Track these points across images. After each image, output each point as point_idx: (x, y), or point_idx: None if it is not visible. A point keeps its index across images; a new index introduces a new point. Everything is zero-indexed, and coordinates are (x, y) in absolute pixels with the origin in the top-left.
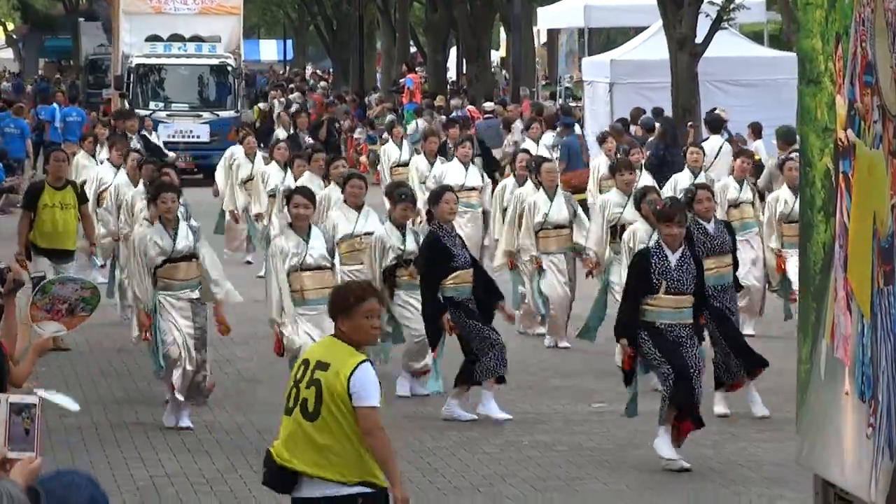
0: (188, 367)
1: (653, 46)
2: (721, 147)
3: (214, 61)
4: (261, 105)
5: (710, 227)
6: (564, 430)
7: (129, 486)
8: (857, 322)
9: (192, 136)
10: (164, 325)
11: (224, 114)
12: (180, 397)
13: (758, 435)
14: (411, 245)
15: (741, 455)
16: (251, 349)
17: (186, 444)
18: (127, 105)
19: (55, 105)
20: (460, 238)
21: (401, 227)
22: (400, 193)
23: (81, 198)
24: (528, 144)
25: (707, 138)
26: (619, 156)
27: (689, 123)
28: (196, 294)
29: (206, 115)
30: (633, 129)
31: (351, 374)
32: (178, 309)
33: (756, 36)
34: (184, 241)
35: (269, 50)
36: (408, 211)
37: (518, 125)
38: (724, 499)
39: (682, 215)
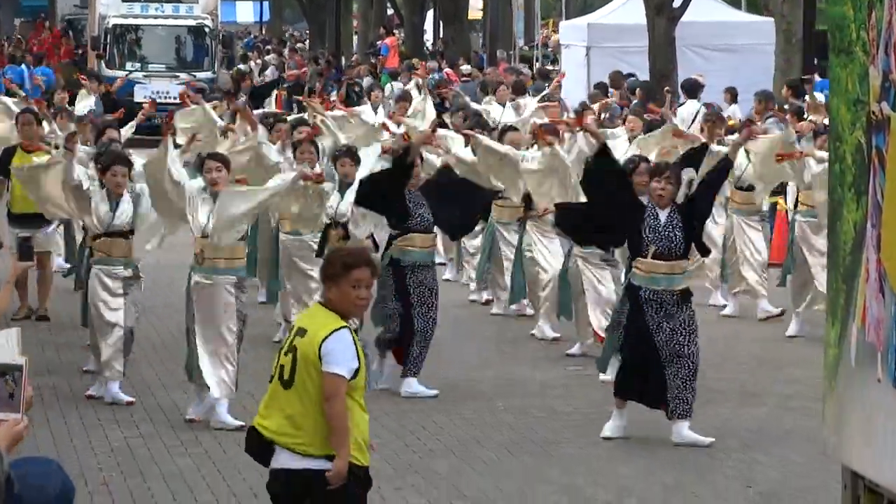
0: (116, 343)
1: (630, 10)
2: (697, 112)
3: (191, 22)
4: (240, 67)
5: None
6: (539, 394)
7: (104, 448)
8: (890, 305)
9: (169, 97)
10: (98, 299)
11: (201, 75)
12: (97, 368)
13: (733, 403)
14: (344, 206)
15: (717, 421)
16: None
17: (161, 405)
18: (104, 66)
19: (23, 67)
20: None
21: (344, 186)
22: (338, 149)
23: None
24: (494, 108)
25: (683, 103)
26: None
27: (666, 88)
28: (129, 272)
29: (182, 75)
30: (611, 93)
31: (325, 338)
32: (110, 288)
33: (733, 0)
34: (122, 216)
35: (246, 11)
36: (346, 167)
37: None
38: (701, 464)
39: (674, 173)
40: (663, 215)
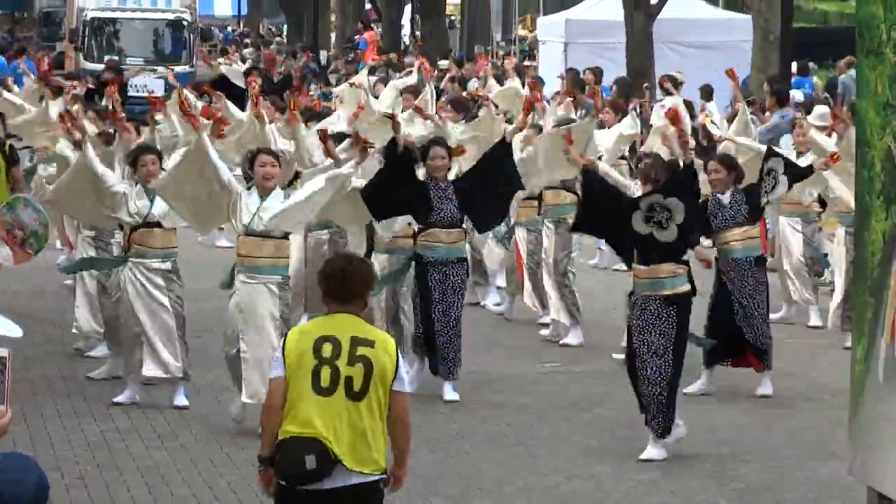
0: (157, 345)
1: (608, 6)
2: None
3: (170, 15)
4: (220, 60)
5: (726, 198)
6: (518, 389)
7: (81, 441)
8: None
9: (147, 91)
10: (127, 303)
11: (179, 68)
12: (142, 378)
13: (709, 401)
14: None
15: (693, 419)
16: (201, 305)
17: (137, 399)
18: (82, 59)
19: (2, 59)
20: (456, 194)
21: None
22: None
23: (10, 160)
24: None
25: (662, 99)
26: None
27: (645, 84)
28: (169, 265)
29: (161, 69)
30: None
31: (398, 355)
32: (150, 281)
33: None
34: (160, 206)
35: (223, 5)
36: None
37: (473, 84)
38: (677, 462)
39: (658, 172)
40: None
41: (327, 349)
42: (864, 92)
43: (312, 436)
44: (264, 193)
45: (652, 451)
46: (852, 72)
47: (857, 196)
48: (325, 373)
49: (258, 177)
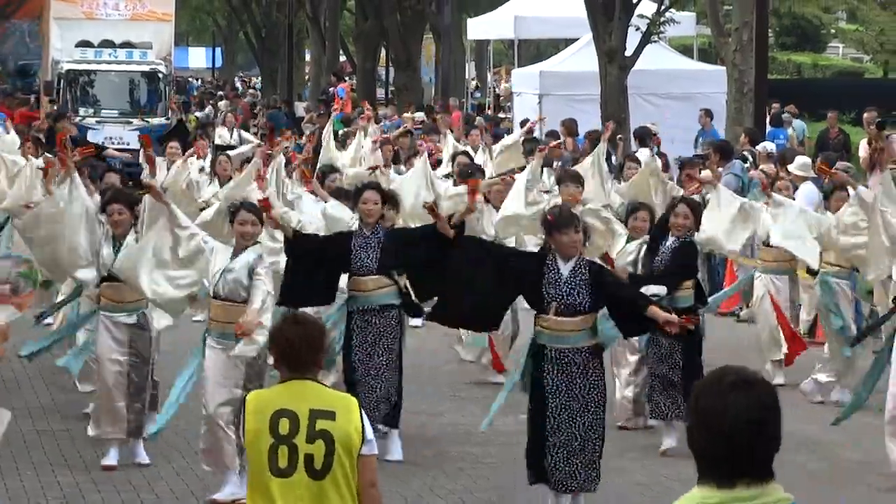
0: (118, 403)
1: (582, 58)
2: None
3: (145, 67)
4: (197, 114)
5: (667, 244)
6: (494, 441)
7: (56, 493)
8: None
9: (122, 143)
10: (99, 348)
11: (154, 120)
12: (93, 432)
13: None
14: None
15: (670, 472)
16: (176, 357)
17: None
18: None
19: None
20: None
21: None
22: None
23: None
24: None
25: (636, 151)
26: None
27: (619, 136)
28: (134, 319)
29: (136, 121)
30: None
31: (362, 418)
32: (113, 335)
33: (685, 49)
34: (123, 259)
35: (198, 57)
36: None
37: (451, 136)
38: None
39: (577, 220)
40: (566, 269)
41: (284, 426)
42: None
43: None
44: (237, 253)
45: None
46: (796, 122)
47: None
48: (283, 452)
49: (236, 235)
